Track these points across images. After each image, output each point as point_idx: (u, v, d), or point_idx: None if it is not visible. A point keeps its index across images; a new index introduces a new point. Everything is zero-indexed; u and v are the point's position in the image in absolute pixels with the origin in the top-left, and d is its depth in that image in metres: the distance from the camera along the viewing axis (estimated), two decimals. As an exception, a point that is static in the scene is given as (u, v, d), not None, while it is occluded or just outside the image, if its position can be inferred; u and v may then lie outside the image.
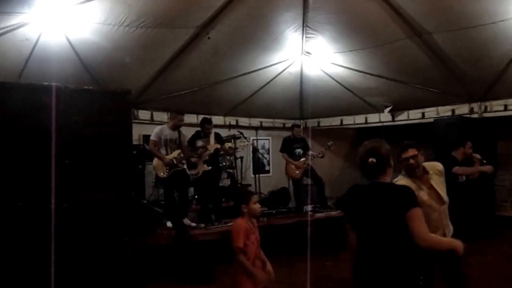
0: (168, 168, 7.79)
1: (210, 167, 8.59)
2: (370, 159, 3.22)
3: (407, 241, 3.09)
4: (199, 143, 8.54)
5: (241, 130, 10.35)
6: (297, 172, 9.83)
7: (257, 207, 4.68)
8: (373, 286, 3.20)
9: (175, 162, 7.81)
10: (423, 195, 4.36)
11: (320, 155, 10.04)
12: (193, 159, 8.35)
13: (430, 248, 3.21)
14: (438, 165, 4.62)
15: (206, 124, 8.67)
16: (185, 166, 8.14)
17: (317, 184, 10.02)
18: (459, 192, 5.13)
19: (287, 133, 10.80)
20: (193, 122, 10.11)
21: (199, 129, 8.79)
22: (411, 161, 4.41)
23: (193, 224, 8.16)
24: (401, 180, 4.35)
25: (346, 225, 3.65)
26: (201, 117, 10.09)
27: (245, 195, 4.94)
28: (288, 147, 9.96)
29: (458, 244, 3.31)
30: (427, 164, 4.57)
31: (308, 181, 10.33)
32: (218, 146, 8.54)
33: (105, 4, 6.25)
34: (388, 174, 3.31)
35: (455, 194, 4.89)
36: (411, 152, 4.47)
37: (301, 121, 12.39)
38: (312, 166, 9.88)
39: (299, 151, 9.92)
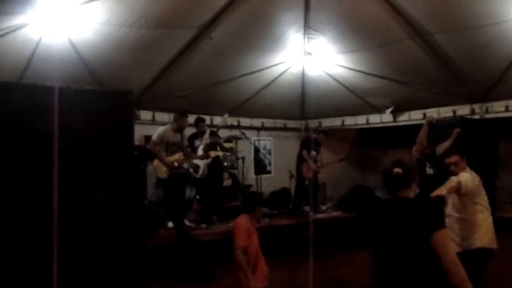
0: (168, 169, 7.78)
1: (210, 158, 8.69)
2: (395, 170, 3.01)
3: (432, 264, 2.85)
4: (197, 142, 8.65)
5: (243, 131, 10.36)
6: (310, 173, 9.82)
7: (261, 212, 4.78)
8: None
9: (176, 164, 7.80)
10: None
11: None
12: (195, 161, 8.40)
13: (456, 281, 2.80)
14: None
15: (200, 122, 8.84)
16: (184, 167, 8.17)
17: (315, 189, 10.06)
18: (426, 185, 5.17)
19: (288, 134, 10.80)
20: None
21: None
22: (452, 167, 4.77)
23: (192, 225, 8.18)
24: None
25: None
26: (202, 117, 10.15)
27: (255, 202, 4.94)
28: (308, 146, 9.95)
29: None
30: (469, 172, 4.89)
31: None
32: (220, 153, 8.61)
33: (107, 5, 6.25)
34: (413, 189, 3.09)
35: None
36: (454, 158, 4.82)
37: (302, 121, 12.40)
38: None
39: (313, 153, 9.92)
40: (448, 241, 2.92)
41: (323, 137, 10.24)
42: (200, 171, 8.46)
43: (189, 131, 8.52)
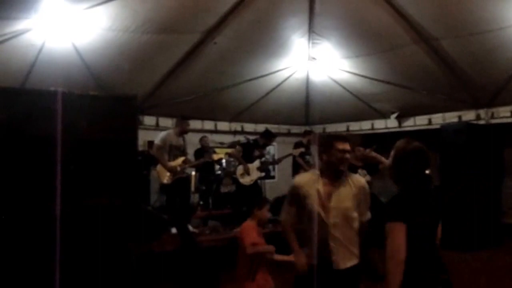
0: (171, 175, 7.76)
1: (263, 173, 9.02)
2: None
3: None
4: (256, 152, 8.98)
5: (247, 136, 10.32)
6: None
7: (268, 215, 4.73)
8: None
9: (178, 169, 7.78)
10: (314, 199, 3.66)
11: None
12: (247, 166, 8.73)
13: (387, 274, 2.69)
14: (363, 181, 3.90)
15: (272, 137, 9.31)
16: (187, 172, 8.17)
17: None
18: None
19: (293, 139, 10.75)
20: (197, 128, 10.10)
21: (256, 137, 9.41)
22: (347, 155, 3.69)
23: (196, 231, 8.14)
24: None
25: None
26: (206, 122, 10.21)
27: (261, 199, 5.01)
28: (304, 153, 9.88)
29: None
30: (352, 174, 3.91)
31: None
32: (222, 156, 8.71)
33: (110, 10, 6.25)
34: None
35: None
36: (348, 146, 3.74)
37: (307, 127, 12.35)
38: None
39: (308, 157, 9.85)
40: (393, 234, 2.72)
41: (312, 137, 10.17)
42: (246, 178, 8.79)
43: (191, 136, 8.52)
